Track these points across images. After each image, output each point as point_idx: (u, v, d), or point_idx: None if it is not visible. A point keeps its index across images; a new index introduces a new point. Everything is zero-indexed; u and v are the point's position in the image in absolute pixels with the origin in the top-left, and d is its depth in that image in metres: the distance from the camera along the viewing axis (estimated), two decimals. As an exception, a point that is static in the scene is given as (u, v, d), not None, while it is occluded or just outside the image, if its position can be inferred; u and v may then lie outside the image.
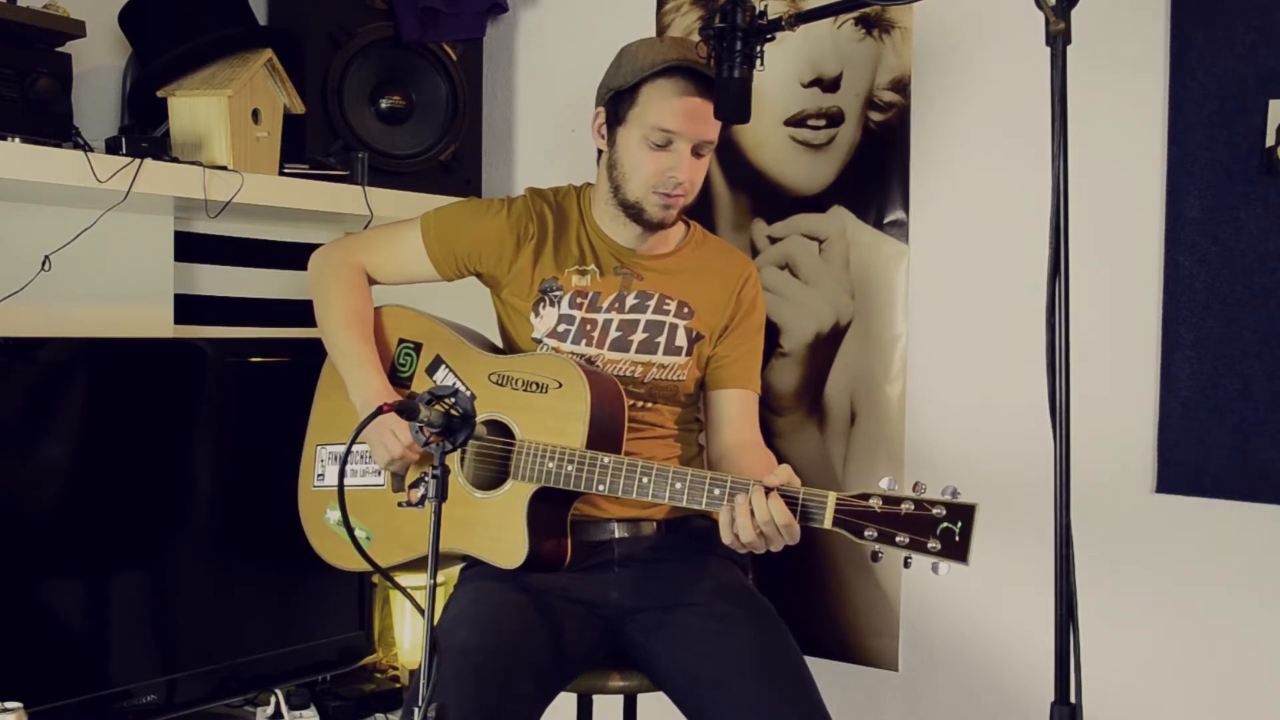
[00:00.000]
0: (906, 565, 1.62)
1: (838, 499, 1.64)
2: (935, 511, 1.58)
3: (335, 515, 2.08)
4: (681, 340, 2.02)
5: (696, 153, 1.95)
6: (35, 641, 2.12)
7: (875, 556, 1.63)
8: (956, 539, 1.57)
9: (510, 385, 1.92)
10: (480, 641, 1.78)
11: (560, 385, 1.88)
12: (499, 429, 1.92)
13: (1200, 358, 2.10)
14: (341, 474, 1.54)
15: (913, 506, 1.60)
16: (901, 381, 2.41)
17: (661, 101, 1.92)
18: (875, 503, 1.61)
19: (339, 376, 2.08)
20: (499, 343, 2.12)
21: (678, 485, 1.76)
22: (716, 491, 1.73)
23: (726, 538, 1.71)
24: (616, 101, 1.97)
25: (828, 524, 1.64)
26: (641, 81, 1.93)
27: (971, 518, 1.57)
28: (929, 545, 1.58)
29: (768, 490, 1.67)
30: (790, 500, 1.66)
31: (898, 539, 1.60)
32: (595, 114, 2.02)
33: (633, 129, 1.95)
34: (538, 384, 1.90)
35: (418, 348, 2.06)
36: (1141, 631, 2.18)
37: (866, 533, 1.62)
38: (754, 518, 1.66)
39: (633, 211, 1.98)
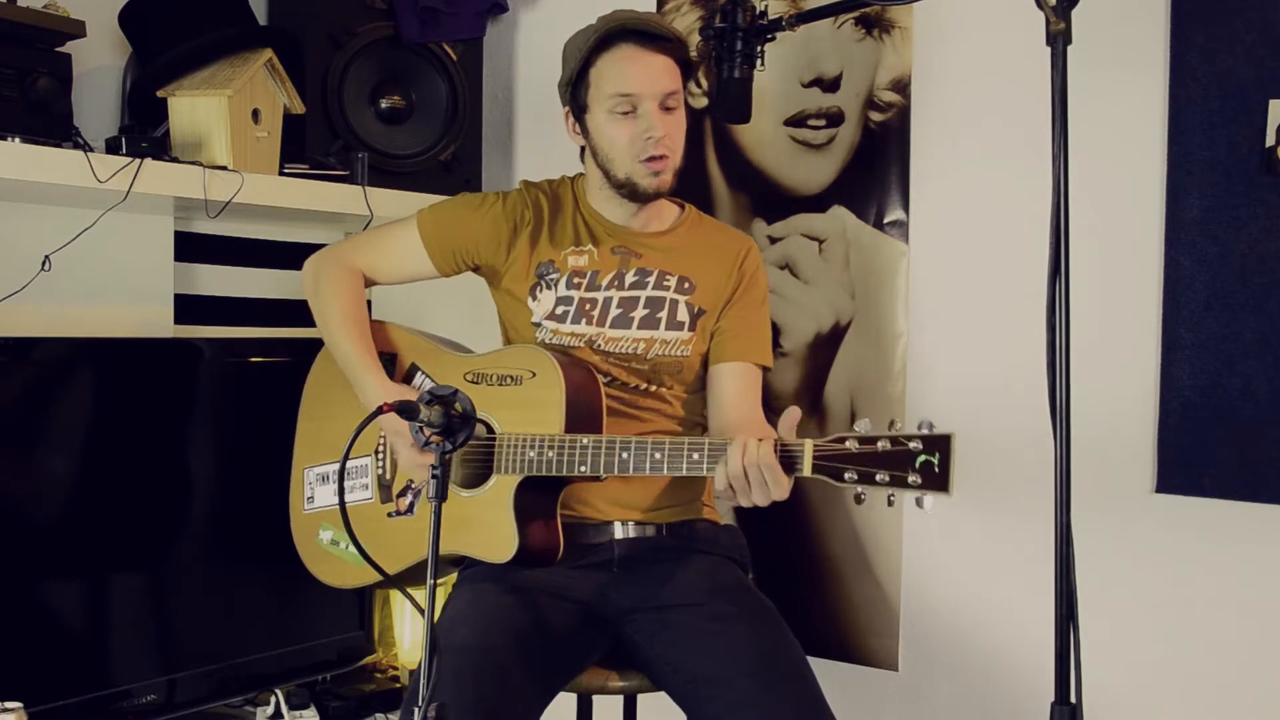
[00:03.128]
0: (890, 503, 1.62)
1: (815, 445, 1.64)
2: (912, 446, 1.58)
3: (328, 535, 2.08)
4: (683, 315, 2.01)
5: (665, 107, 1.94)
6: (35, 641, 2.12)
7: (859, 499, 1.63)
8: (936, 470, 1.56)
9: (486, 382, 1.92)
10: (479, 641, 1.78)
11: (534, 375, 1.88)
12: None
13: (1200, 358, 2.10)
14: (341, 477, 1.53)
15: (889, 444, 1.59)
16: (901, 381, 2.41)
17: (609, 70, 1.93)
18: (851, 444, 1.61)
19: (321, 395, 2.09)
20: (494, 341, 2.12)
21: (657, 455, 1.76)
22: (695, 456, 1.74)
23: (720, 484, 1.72)
24: (574, 92, 1.98)
25: (807, 471, 1.64)
26: (586, 63, 1.95)
27: (949, 447, 1.56)
28: (909, 480, 1.57)
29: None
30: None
31: (878, 477, 1.59)
32: (564, 115, 2.03)
33: (596, 109, 1.96)
34: (512, 376, 1.90)
35: (393, 358, 2.07)
36: (1141, 631, 2.18)
37: (846, 475, 1.61)
38: (744, 456, 1.67)
39: (626, 189, 1.97)
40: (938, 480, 1.56)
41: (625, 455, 1.77)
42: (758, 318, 2.08)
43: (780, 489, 1.68)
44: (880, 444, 1.59)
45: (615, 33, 1.93)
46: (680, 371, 2.02)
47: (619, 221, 2.04)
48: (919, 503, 1.58)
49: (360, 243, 2.15)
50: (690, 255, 2.05)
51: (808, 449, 1.64)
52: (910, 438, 1.58)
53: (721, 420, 2.03)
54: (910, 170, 2.40)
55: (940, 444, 1.56)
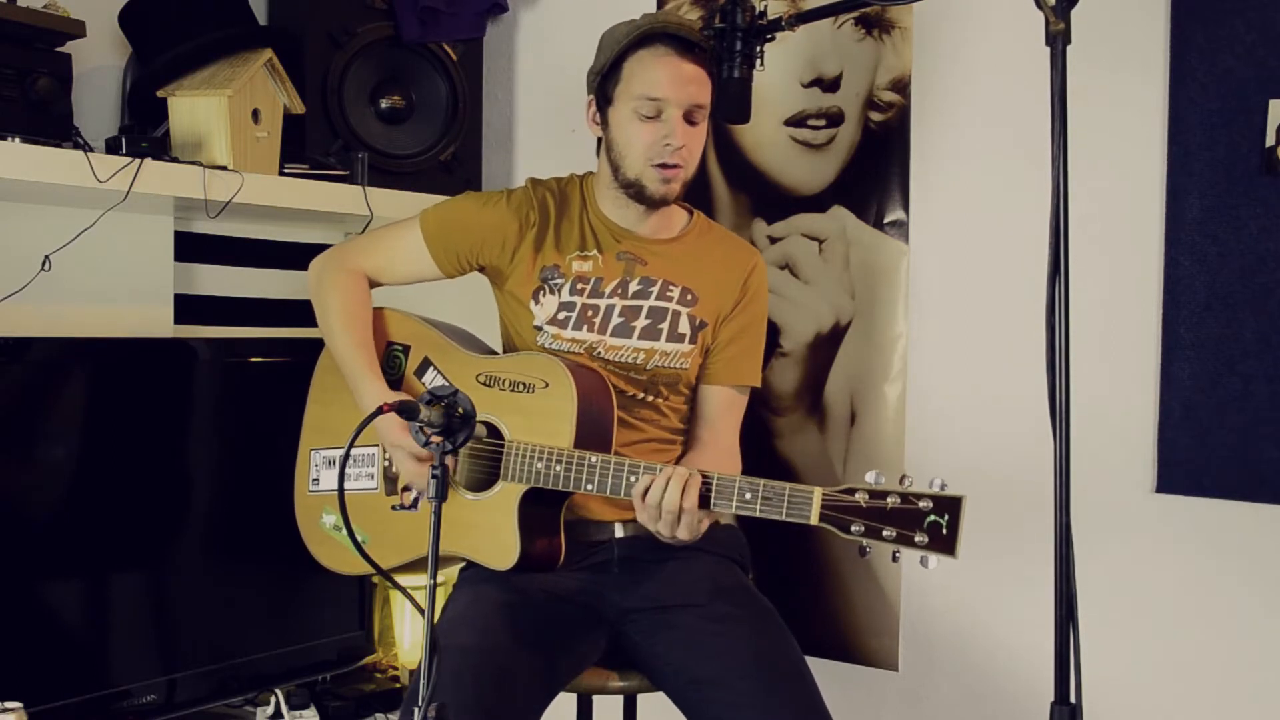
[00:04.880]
0: (895, 559, 1.61)
1: (823, 494, 1.63)
2: (921, 505, 1.57)
3: (331, 519, 2.08)
4: (685, 328, 2.01)
5: (689, 120, 1.93)
6: (35, 641, 2.12)
7: (862, 551, 1.62)
8: (944, 532, 1.56)
9: (498, 386, 1.92)
10: (479, 642, 1.78)
11: (547, 385, 1.87)
12: (488, 430, 1.91)
13: (1200, 358, 2.10)
14: (341, 477, 1.53)
15: (899, 500, 1.58)
16: (901, 381, 2.41)
17: (643, 70, 1.91)
18: (861, 497, 1.60)
19: (331, 381, 2.08)
20: (496, 340, 2.12)
21: None
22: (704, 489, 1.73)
23: (638, 509, 1.74)
24: (603, 83, 1.97)
25: (814, 520, 1.63)
26: (622, 56, 1.93)
27: (958, 510, 1.55)
28: (916, 539, 1.57)
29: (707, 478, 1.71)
30: (776, 495, 1.66)
31: (884, 533, 1.58)
32: (587, 103, 2.01)
33: (621, 105, 1.94)
34: (524, 384, 1.89)
35: (406, 350, 2.06)
36: (1141, 631, 2.18)
37: (853, 528, 1.60)
38: (665, 492, 1.70)
39: (634, 190, 1.96)
40: (945, 542, 1.56)
41: (634, 479, 1.76)
42: (753, 337, 2.07)
43: (686, 532, 1.72)
44: (890, 500, 1.58)
45: (657, 34, 1.91)
46: (677, 383, 2.02)
47: (626, 225, 2.03)
48: (923, 562, 1.57)
49: (364, 244, 2.14)
50: (696, 265, 2.04)
51: (815, 497, 1.63)
52: (920, 496, 1.57)
53: (692, 439, 2.05)
54: (910, 170, 2.40)
55: (951, 506, 1.56)
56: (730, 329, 2.04)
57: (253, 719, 2.50)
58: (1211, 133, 2.08)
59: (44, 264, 2.20)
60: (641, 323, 1.99)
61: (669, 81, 1.90)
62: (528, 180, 2.08)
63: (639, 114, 1.91)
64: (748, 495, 1.68)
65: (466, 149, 2.82)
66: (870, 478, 1.61)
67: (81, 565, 2.19)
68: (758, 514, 1.68)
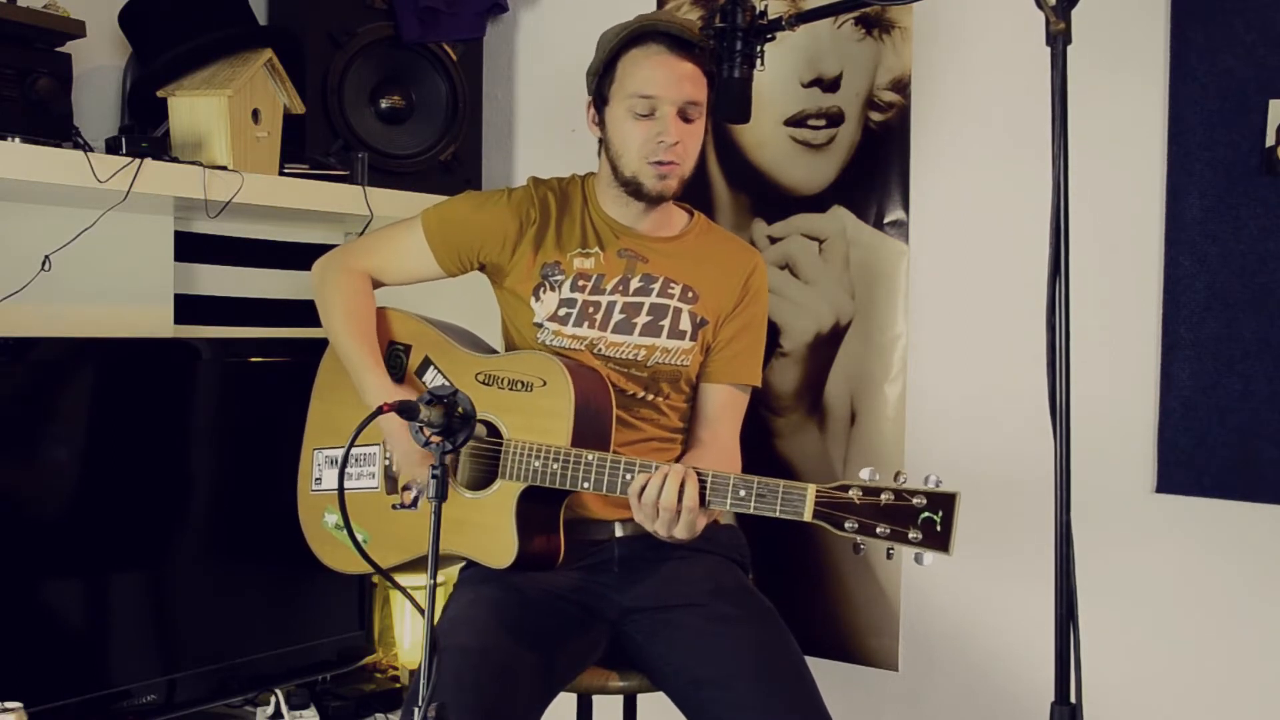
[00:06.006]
0: (889, 556, 1.61)
1: (818, 490, 1.63)
2: (915, 501, 1.57)
3: (333, 519, 2.08)
4: (686, 325, 2.01)
5: (685, 117, 1.93)
6: (35, 641, 2.12)
7: (857, 548, 1.62)
8: (938, 528, 1.55)
9: (497, 385, 1.92)
10: (480, 642, 1.78)
11: (545, 383, 1.87)
12: (487, 429, 1.92)
13: (1200, 358, 2.10)
14: (341, 476, 1.53)
15: (893, 497, 1.58)
16: (901, 381, 2.41)
17: (635, 69, 1.93)
18: (855, 494, 1.60)
19: (334, 380, 2.08)
20: (497, 339, 2.12)
21: None
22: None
23: (634, 508, 1.75)
24: (599, 84, 1.98)
25: (808, 516, 1.63)
26: (615, 56, 1.95)
27: (953, 506, 1.55)
28: (910, 536, 1.56)
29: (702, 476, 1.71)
30: (770, 491, 1.66)
31: (878, 530, 1.58)
32: (587, 105, 2.03)
33: (616, 104, 1.95)
34: (523, 383, 1.90)
35: (407, 349, 2.06)
36: (1141, 631, 2.18)
37: (847, 524, 1.60)
38: (662, 490, 1.70)
39: (632, 188, 1.97)
40: (939, 539, 1.55)
41: (629, 477, 1.76)
42: (751, 339, 2.07)
43: (684, 531, 1.72)
44: (884, 496, 1.58)
45: (648, 32, 1.93)
46: (678, 380, 2.02)
47: (627, 223, 2.03)
48: (918, 559, 1.57)
49: (367, 244, 2.15)
50: (696, 264, 2.04)
51: (810, 494, 1.63)
52: (914, 493, 1.57)
53: (692, 438, 2.05)
54: (910, 170, 2.40)
55: (944, 502, 1.55)
56: (731, 328, 2.05)
57: (253, 719, 2.50)
58: (1211, 133, 2.08)
59: (44, 264, 2.20)
60: (643, 319, 1.99)
61: (662, 79, 1.91)
62: (530, 179, 2.09)
63: (633, 112, 1.92)
64: (742, 492, 1.68)
65: (466, 149, 2.82)
66: (865, 474, 1.61)
67: (81, 565, 2.19)
68: (752, 511, 1.68)
